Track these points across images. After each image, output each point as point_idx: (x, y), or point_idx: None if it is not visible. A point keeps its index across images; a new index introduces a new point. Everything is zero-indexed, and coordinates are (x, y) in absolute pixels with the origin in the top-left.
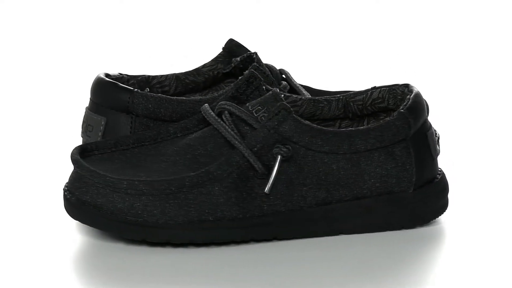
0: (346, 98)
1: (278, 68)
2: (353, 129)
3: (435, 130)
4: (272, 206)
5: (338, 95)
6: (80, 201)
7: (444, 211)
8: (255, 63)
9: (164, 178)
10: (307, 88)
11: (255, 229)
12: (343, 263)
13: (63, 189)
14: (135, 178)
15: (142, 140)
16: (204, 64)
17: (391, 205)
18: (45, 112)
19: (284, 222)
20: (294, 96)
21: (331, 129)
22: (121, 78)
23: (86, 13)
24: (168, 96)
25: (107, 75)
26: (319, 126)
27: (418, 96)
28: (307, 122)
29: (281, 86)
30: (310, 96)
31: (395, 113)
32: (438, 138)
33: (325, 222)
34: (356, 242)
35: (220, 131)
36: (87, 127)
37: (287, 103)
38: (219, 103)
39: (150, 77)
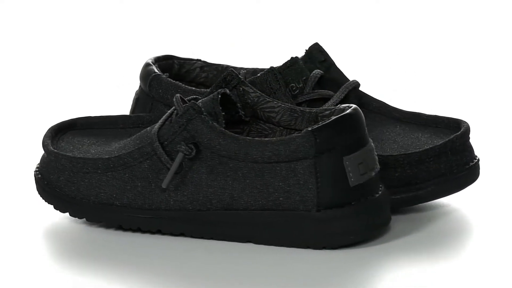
0: (316, 112)
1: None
2: (256, 138)
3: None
4: (178, 202)
5: (315, 109)
6: (36, 169)
7: (362, 237)
8: (271, 66)
9: (81, 157)
10: (381, 105)
11: (161, 222)
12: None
13: None
14: (67, 153)
15: (142, 122)
16: None
17: (294, 223)
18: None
19: (191, 220)
20: (275, 102)
21: (234, 135)
22: (194, 63)
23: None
24: (178, 83)
25: (169, 56)
26: (223, 130)
27: (344, 118)
28: (213, 124)
29: (317, 92)
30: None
31: (303, 130)
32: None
33: (231, 228)
34: (262, 252)
35: None
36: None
37: (264, 107)
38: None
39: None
